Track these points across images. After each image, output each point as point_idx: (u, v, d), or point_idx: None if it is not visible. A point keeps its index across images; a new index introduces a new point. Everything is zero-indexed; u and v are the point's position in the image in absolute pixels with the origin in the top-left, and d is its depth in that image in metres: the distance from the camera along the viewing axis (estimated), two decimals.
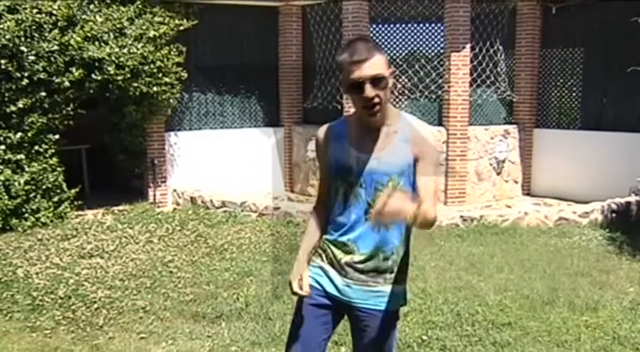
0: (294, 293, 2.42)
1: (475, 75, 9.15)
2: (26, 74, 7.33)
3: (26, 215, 7.59)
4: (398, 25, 9.32)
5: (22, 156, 7.57)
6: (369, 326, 2.38)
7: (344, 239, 2.36)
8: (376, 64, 2.18)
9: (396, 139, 2.30)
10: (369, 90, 2.18)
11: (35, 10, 7.35)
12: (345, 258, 2.36)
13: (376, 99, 2.20)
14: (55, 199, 7.90)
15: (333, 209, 2.40)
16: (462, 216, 7.68)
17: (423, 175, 2.29)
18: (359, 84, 2.18)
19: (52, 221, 7.76)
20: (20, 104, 7.40)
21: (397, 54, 9.41)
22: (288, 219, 7.99)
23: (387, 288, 2.37)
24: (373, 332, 2.38)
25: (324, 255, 2.44)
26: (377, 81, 2.18)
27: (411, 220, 2.09)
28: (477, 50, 9.12)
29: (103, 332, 4.62)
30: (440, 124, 9.14)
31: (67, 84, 7.53)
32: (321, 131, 2.44)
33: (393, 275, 2.38)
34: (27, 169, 7.60)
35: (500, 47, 9.43)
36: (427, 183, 2.28)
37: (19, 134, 7.50)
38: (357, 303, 2.38)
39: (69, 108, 7.81)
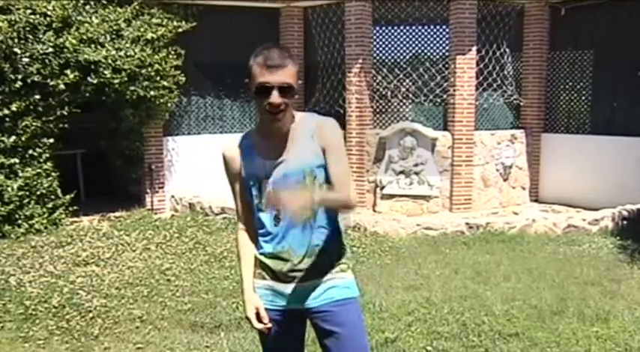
0: (256, 328, 2.48)
1: (481, 78, 9.07)
2: (20, 76, 7.30)
3: (20, 221, 7.55)
4: (402, 27, 9.26)
5: (15, 160, 7.53)
6: (332, 322, 2.41)
7: (279, 248, 2.41)
8: (287, 73, 2.26)
9: (302, 137, 2.39)
10: (276, 97, 2.25)
11: (29, 11, 7.33)
12: (285, 266, 2.41)
13: (281, 107, 2.27)
14: (50, 205, 7.85)
15: (261, 222, 2.44)
16: (467, 223, 7.62)
17: (332, 164, 2.38)
18: (267, 88, 2.24)
19: (46, 227, 7.72)
20: (14, 107, 7.38)
21: (401, 56, 9.34)
22: None
23: (334, 280, 2.45)
24: (339, 328, 2.41)
25: (264, 272, 2.48)
26: (284, 89, 2.25)
27: (318, 206, 2.28)
28: (483, 53, 9.05)
29: (99, 342, 4.59)
30: (445, 129, 9.07)
31: (62, 87, 7.50)
32: (230, 149, 2.46)
33: (336, 266, 2.46)
34: (21, 174, 7.55)
35: (507, 50, 9.34)
36: (336, 170, 2.37)
37: (13, 138, 7.47)
38: (313, 304, 2.43)
39: (64, 112, 7.76)
